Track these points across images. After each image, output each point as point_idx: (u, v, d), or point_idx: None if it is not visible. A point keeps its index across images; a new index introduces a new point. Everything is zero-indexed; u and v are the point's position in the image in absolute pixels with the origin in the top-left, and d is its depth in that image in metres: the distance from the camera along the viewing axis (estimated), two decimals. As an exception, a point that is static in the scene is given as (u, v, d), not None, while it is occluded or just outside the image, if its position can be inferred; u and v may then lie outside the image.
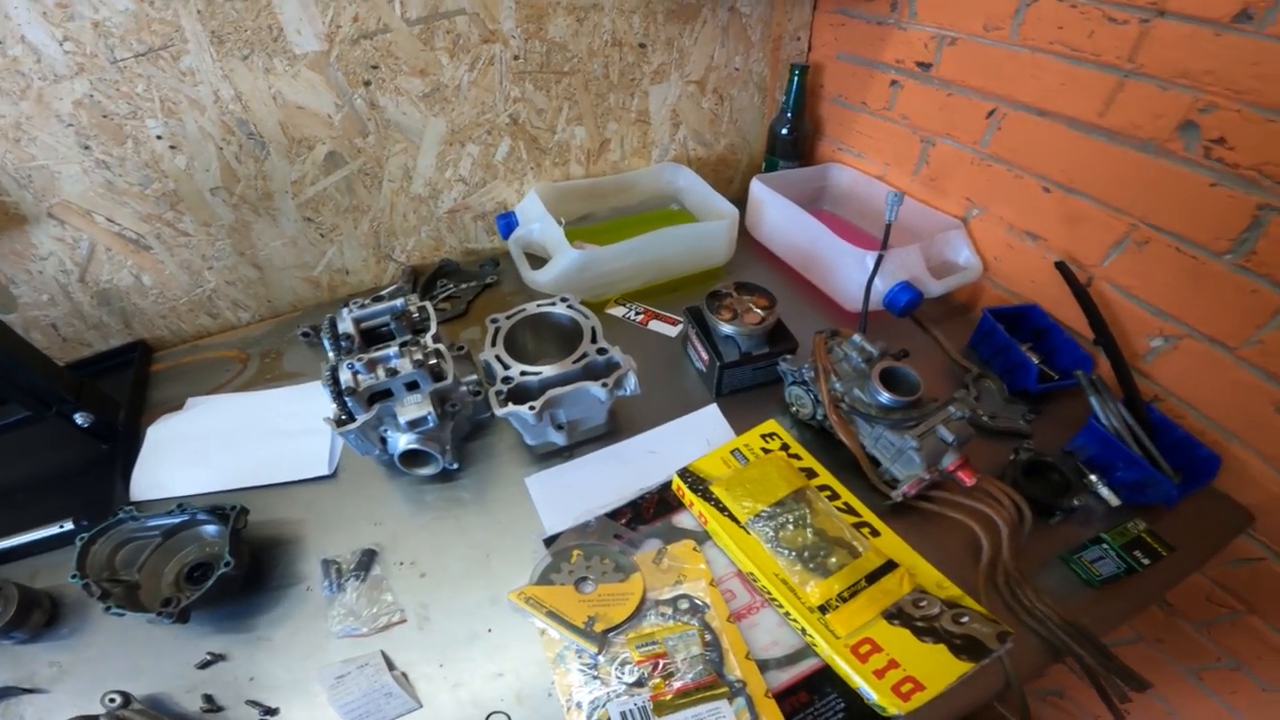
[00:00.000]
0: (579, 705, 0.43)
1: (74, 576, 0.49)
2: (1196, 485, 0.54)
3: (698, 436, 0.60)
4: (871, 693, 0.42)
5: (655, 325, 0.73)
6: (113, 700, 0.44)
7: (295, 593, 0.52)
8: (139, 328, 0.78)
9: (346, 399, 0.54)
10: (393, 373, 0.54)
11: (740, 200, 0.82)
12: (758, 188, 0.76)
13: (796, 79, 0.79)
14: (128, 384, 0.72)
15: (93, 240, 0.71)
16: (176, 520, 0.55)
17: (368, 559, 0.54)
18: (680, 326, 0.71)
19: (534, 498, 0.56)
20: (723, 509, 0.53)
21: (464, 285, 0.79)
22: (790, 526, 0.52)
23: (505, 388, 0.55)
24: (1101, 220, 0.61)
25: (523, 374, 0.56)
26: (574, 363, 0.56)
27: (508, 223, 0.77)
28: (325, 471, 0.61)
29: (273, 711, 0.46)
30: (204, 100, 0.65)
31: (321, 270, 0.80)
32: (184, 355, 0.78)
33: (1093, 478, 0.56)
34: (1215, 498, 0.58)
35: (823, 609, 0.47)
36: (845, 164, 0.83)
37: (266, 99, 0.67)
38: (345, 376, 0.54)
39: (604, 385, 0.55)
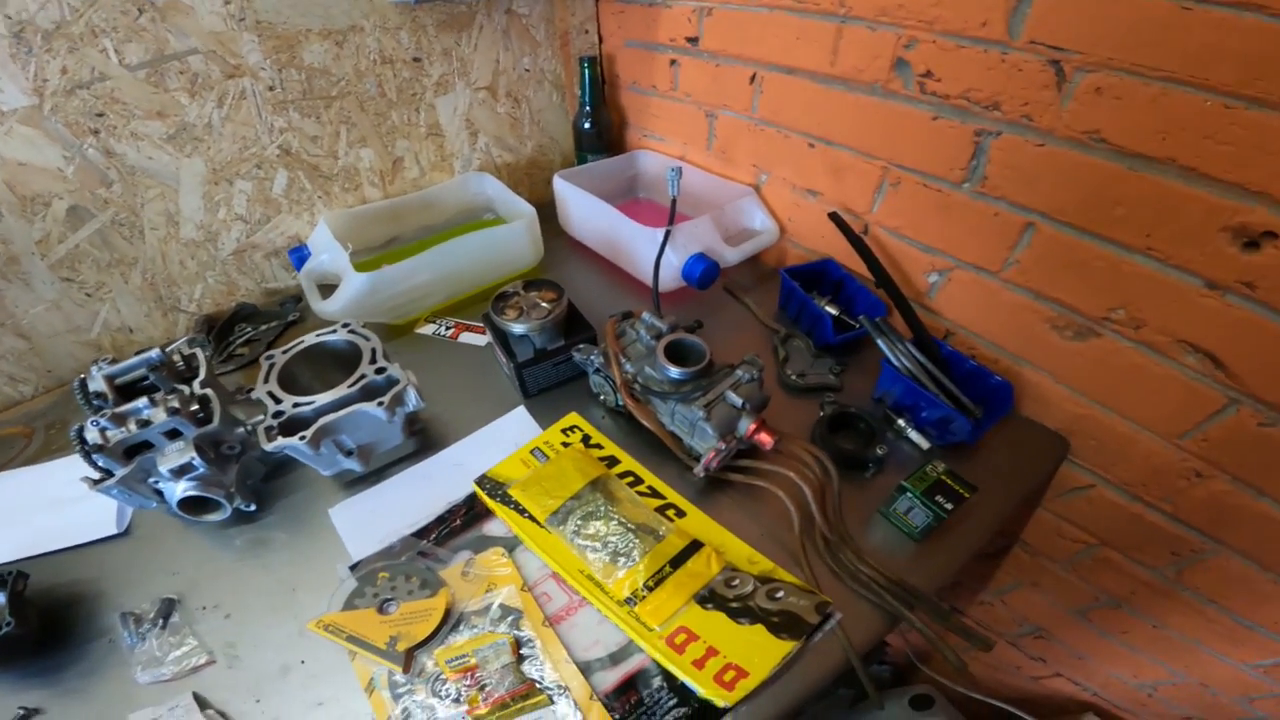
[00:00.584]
0: None
1: None
2: (997, 416, 0.55)
3: (506, 441, 0.57)
4: (695, 685, 0.40)
5: (466, 337, 0.69)
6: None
7: (98, 646, 0.49)
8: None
9: (96, 457, 0.48)
10: (145, 424, 0.49)
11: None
12: (558, 184, 0.75)
13: (586, 71, 0.79)
14: None
15: None
16: None
17: (167, 606, 0.50)
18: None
19: (337, 527, 0.53)
20: (522, 511, 0.50)
21: (264, 326, 0.73)
22: (590, 519, 0.50)
23: (275, 422, 0.50)
24: (859, 168, 0.63)
25: (295, 405, 0.52)
26: (350, 386, 0.53)
27: (300, 256, 0.72)
28: (114, 530, 0.56)
29: None
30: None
31: (99, 331, 0.72)
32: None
33: (900, 422, 0.57)
34: (1029, 427, 0.59)
35: (629, 600, 0.45)
36: (651, 149, 0.84)
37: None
38: (92, 435, 0.48)
39: (380, 404, 0.51)
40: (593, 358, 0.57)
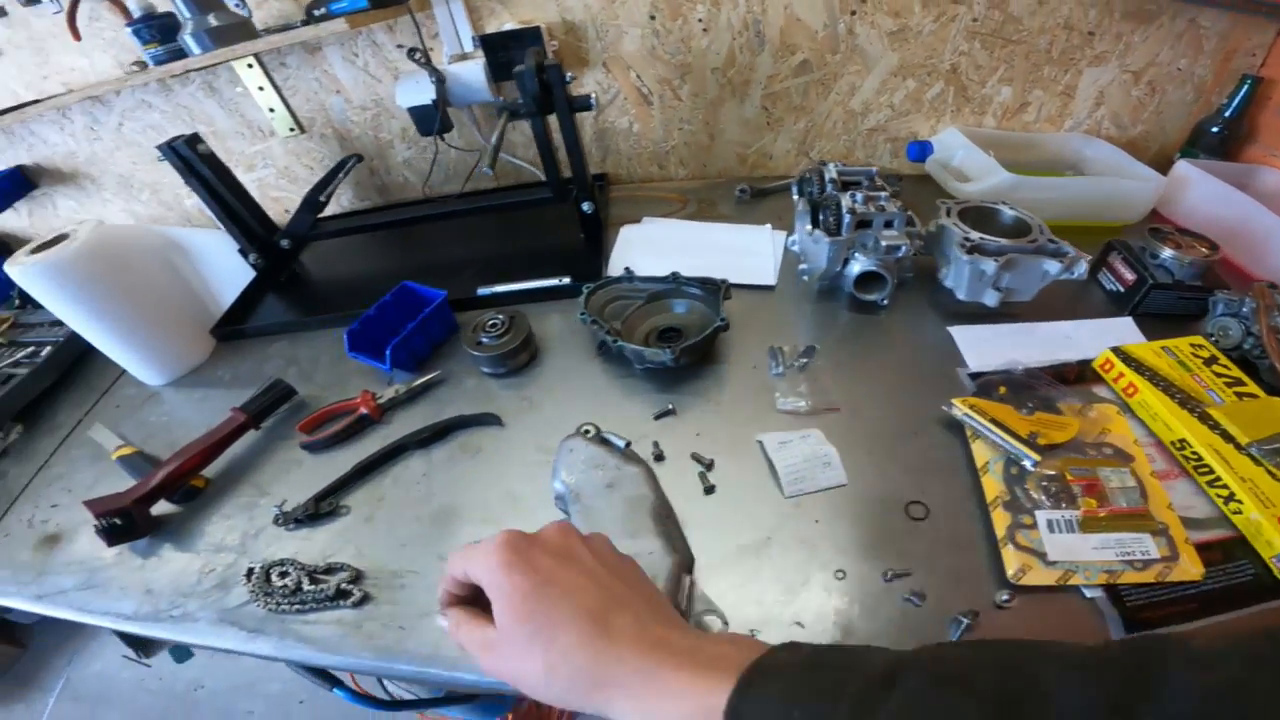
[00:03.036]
0: (1005, 509, 0.49)
1: (582, 315, 0.68)
2: None
3: (1109, 337, 0.66)
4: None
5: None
6: (587, 431, 0.55)
7: (742, 370, 0.66)
8: (609, 163, 1.03)
9: (846, 218, 0.68)
10: (881, 209, 0.69)
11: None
12: (1184, 167, 0.81)
13: (1247, 88, 0.83)
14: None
15: (619, 89, 0.96)
16: (663, 286, 0.74)
17: (809, 352, 0.67)
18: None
19: (958, 341, 0.67)
20: (1162, 384, 0.58)
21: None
22: None
23: (968, 243, 0.67)
24: None
25: (981, 238, 0.68)
26: (1028, 242, 0.67)
27: (922, 149, 0.90)
28: (771, 283, 0.78)
29: (710, 465, 0.57)
30: (740, -2, 0.86)
31: (753, 150, 1.00)
32: (634, 190, 1.02)
33: None
34: None
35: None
36: (1277, 167, 0.84)
37: (779, 7, 0.86)
38: (846, 202, 0.70)
39: (1060, 259, 0.65)
40: (1244, 301, 0.64)
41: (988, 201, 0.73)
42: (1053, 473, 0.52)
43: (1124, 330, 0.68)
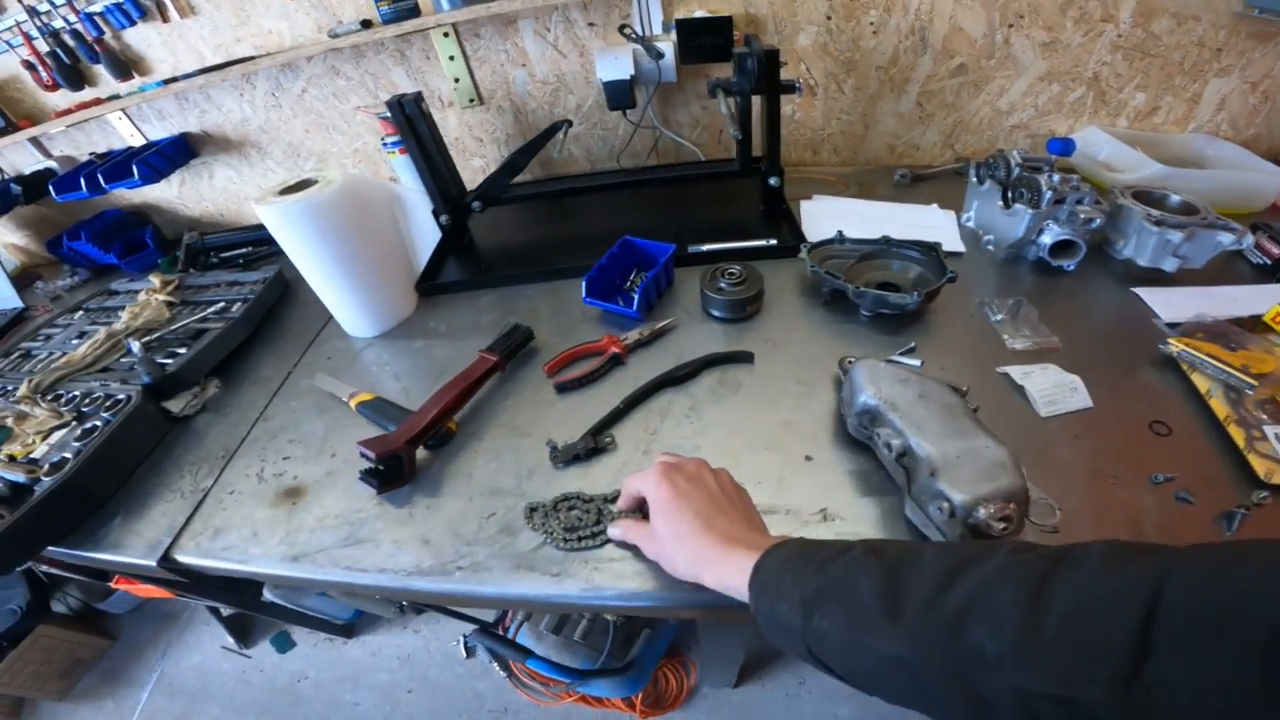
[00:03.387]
0: (1237, 425, 0.58)
1: (813, 268, 0.78)
2: None
3: (1269, 299, 0.76)
4: None
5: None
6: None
7: (961, 318, 0.76)
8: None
9: (1015, 195, 0.80)
10: (1075, 188, 0.79)
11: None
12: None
13: None
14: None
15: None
16: (873, 247, 0.83)
17: (1018, 304, 0.76)
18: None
19: (1146, 299, 0.77)
20: None
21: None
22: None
23: (1152, 216, 0.78)
24: None
25: (1162, 214, 0.78)
26: (1200, 219, 0.78)
27: (1065, 145, 1.01)
28: (960, 249, 0.88)
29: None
30: (911, 6, 0.97)
31: (903, 141, 1.10)
32: (790, 173, 1.11)
33: None
34: None
35: None
36: None
37: (945, 16, 0.97)
38: (1045, 181, 0.79)
39: (1232, 233, 0.75)
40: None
41: (1151, 187, 0.84)
42: (1264, 398, 0.62)
43: (1277, 294, 0.79)
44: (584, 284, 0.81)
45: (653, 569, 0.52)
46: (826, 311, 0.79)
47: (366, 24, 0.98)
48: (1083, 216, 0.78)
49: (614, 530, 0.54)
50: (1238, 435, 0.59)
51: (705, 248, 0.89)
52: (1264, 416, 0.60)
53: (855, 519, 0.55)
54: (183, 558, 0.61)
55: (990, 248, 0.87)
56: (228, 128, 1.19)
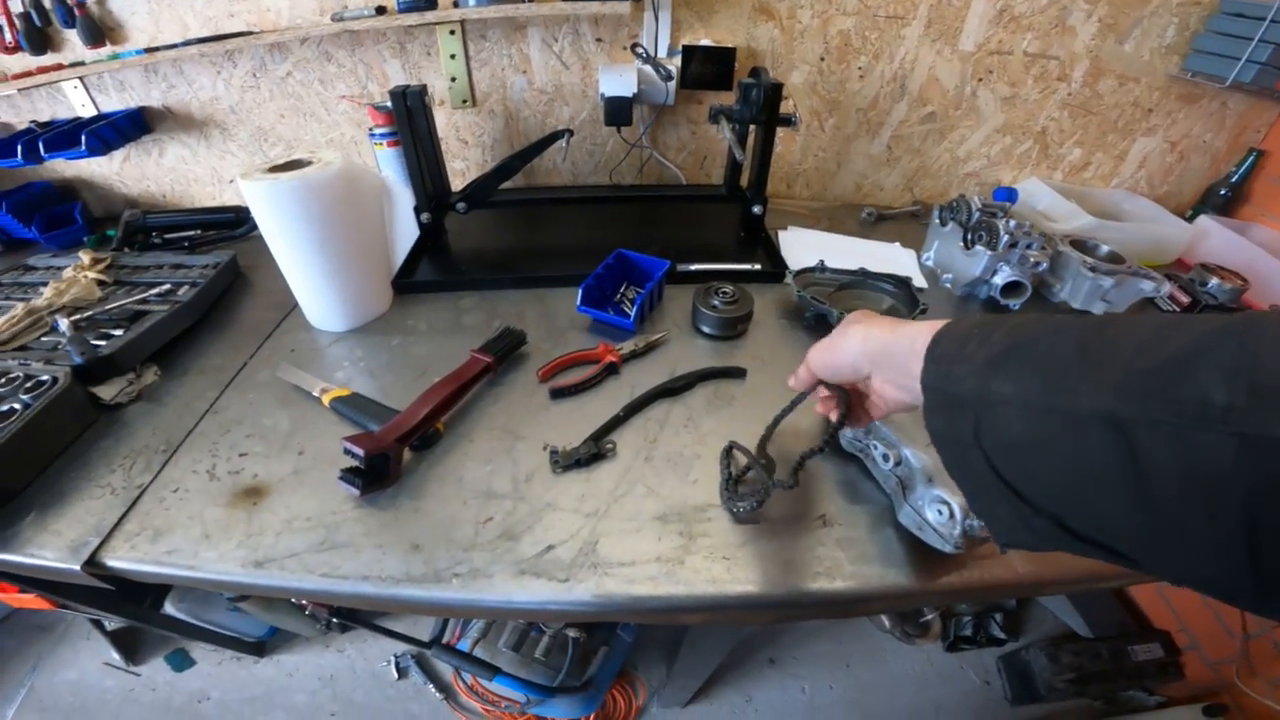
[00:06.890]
0: None
1: (800, 293, 0.82)
2: None
3: None
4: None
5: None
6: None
7: None
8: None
9: (975, 237, 0.88)
10: (1027, 234, 0.88)
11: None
12: (1205, 220, 1.06)
13: (1251, 160, 1.10)
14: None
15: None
16: (851, 278, 0.88)
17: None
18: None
19: None
20: None
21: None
22: None
23: (1088, 264, 0.87)
24: None
25: (1096, 262, 0.88)
26: (1126, 268, 0.88)
27: (1009, 194, 1.11)
28: (923, 285, 0.95)
29: None
30: (897, 55, 1.04)
31: (869, 181, 1.18)
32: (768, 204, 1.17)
33: None
34: None
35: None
36: (1265, 225, 1.10)
37: (925, 66, 1.06)
38: (1003, 226, 0.87)
39: (1152, 281, 0.86)
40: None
41: (1085, 237, 0.95)
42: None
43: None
44: (580, 292, 0.81)
45: (666, 571, 0.51)
46: (809, 334, 0.83)
47: (381, 10, 0.94)
48: (1032, 260, 0.86)
49: (791, 381, 0.55)
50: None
51: (694, 267, 0.92)
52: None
53: (849, 524, 0.57)
54: (114, 562, 0.53)
55: (948, 285, 0.95)
56: (194, 105, 1.11)
